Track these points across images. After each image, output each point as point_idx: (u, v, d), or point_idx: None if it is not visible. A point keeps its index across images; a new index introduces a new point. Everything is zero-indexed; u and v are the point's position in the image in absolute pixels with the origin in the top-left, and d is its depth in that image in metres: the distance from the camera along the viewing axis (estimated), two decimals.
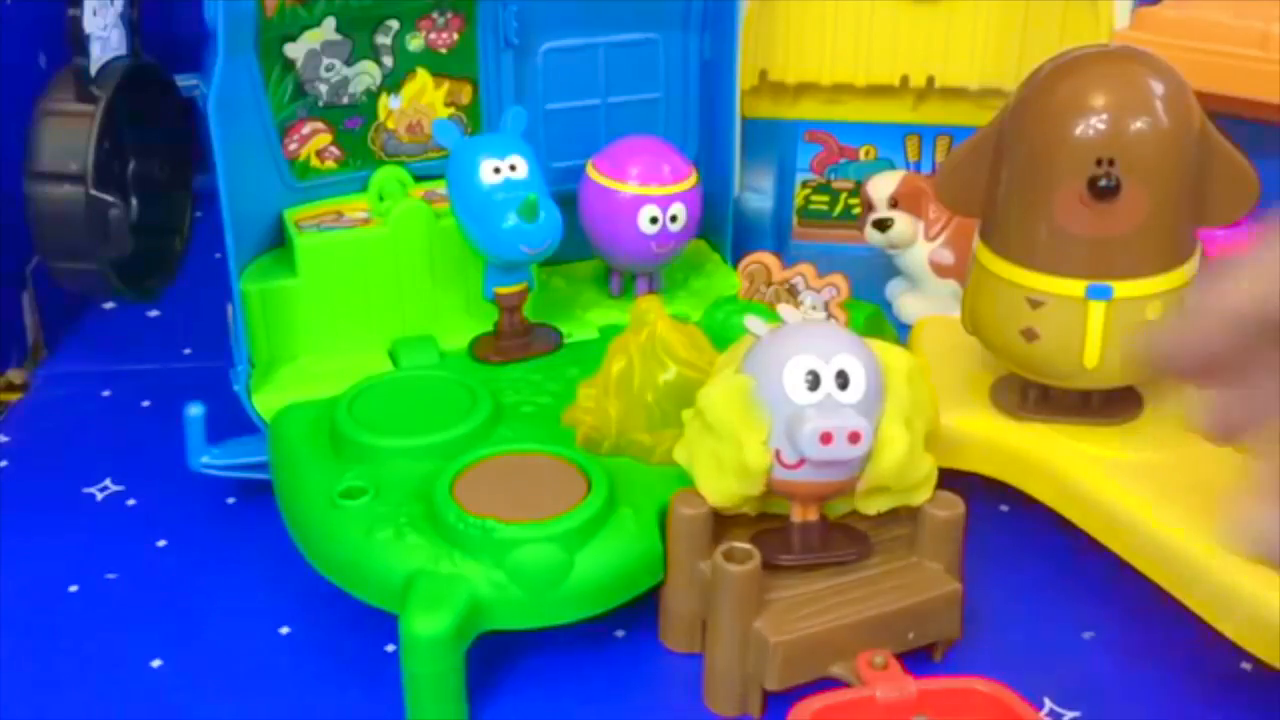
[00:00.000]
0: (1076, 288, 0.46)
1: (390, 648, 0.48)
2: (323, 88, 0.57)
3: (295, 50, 0.55)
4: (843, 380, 0.42)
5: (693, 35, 0.63)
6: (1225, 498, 0.43)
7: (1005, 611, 0.49)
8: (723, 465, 0.44)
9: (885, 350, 0.45)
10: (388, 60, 0.58)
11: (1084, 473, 0.48)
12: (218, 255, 0.55)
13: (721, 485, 0.44)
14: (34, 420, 0.63)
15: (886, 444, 0.43)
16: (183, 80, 0.54)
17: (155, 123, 0.55)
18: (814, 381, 0.42)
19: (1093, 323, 0.46)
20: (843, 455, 0.42)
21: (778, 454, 0.43)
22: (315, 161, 0.58)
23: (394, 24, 0.57)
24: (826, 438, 0.41)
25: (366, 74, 0.58)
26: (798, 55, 0.65)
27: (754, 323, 0.45)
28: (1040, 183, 0.46)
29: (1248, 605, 0.42)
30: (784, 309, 0.45)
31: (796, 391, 0.42)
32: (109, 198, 0.50)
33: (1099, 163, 0.45)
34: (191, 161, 0.57)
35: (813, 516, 0.45)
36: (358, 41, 0.57)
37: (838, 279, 0.56)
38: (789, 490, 0.44)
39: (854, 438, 0.41)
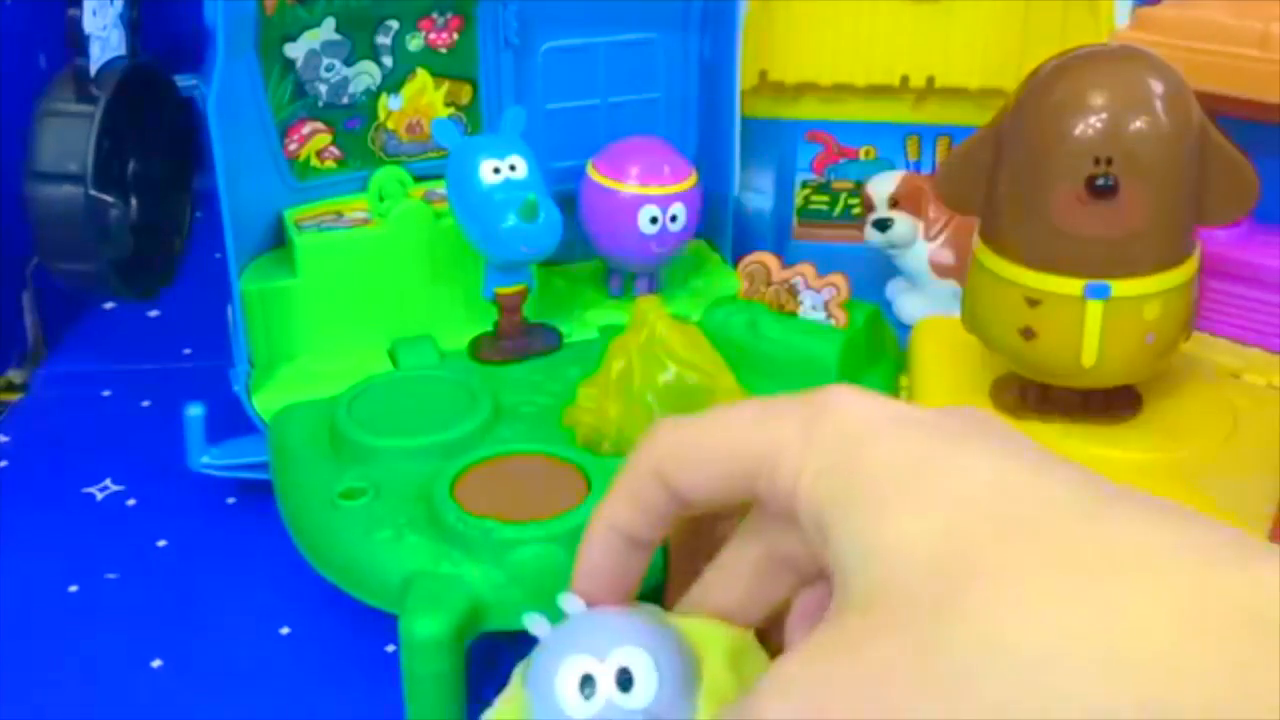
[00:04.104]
0: (1074, 286, 0.46)
1: (390, 648, 0.48)
2: (323, 88, 0.57)
3: (295, 50, 0.55)
4: (625, 680, 0.33)
5: (692, 35, 0.63)
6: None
7: None
8: None
9: (700, 628, 0.35)
10: (388, 60, 0.58)
11: None
12: (218, 255, 0.55)
13: None
14: (34, 420, 0.63)
15: None
16: (183, 80, 0.54)
17: (155, 123, 0.55)
18: (589, 689, 0.32)
19: (1090, 322, 0.46)
20: None
21: None
22: (315, 161, 0.58)
23: (394, 24, 0.57)
24: None
25: (366, 74, 0.58)
26: (798, 55, 0.65)
27: (534, 621, 0.34)
28: (1039, 181, 0.46)
29: None
30: None
31: (571, 704, 0.32)
32: (109, 198, 0.50)
33: (1097, 162, 0.45)
34: (191, 161, 0.57)
35: None
36: (358, 41, 0.57)
37: (838, 279, 0.56)
38: None
39: None
